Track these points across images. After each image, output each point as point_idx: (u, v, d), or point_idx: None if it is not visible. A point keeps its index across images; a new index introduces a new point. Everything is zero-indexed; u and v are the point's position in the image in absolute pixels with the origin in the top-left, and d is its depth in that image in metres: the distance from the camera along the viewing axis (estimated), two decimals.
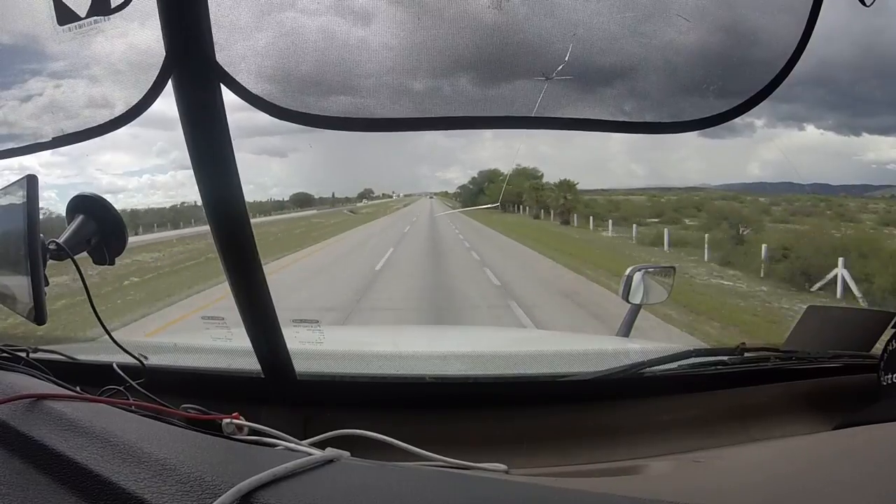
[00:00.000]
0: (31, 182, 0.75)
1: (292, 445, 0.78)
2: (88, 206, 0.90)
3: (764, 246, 11.73)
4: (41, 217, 0.76)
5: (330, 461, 0.66)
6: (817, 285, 10.04)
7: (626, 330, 1.71)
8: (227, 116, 0.77)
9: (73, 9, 0.73)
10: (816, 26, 0.71)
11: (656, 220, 19.53)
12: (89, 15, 0.73)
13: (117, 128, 0.78)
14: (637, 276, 1.70)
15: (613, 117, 0.77)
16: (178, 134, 0.76)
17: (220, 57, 0.73)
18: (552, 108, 0.73)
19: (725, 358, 1.13)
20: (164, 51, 0.72)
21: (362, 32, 0.73)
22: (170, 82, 0.74)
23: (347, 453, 0.70)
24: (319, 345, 1.26)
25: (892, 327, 1.06)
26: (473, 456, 0.86)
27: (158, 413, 0.78)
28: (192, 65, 0.73)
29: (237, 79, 0.73)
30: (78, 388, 0.81)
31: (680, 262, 11.99)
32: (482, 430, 1.02)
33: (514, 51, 0.72)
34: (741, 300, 9.17)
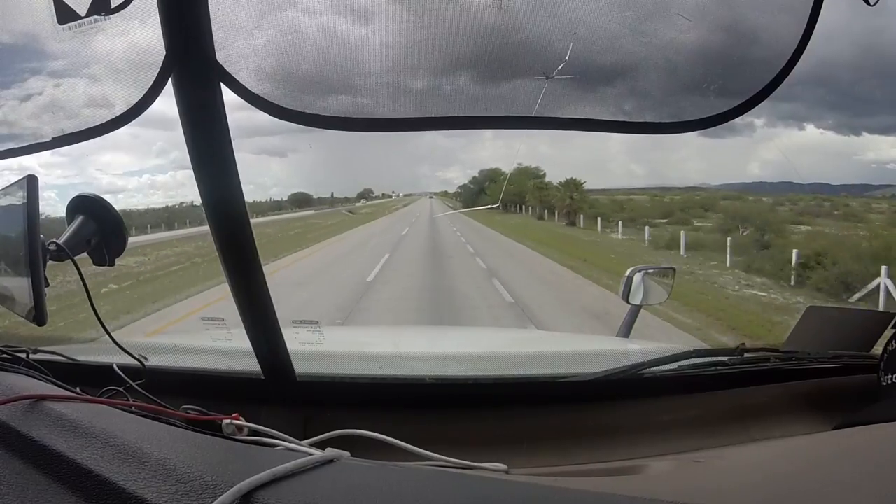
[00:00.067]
0: (31, 182, 0.75)
1: (292, 445, 0.78)
2: (88, 207, 0.90)
3: (795, 251, 10.87)
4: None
5: (330, 461, 0.66)
6: (857, 295, 9.19)
7: (625, 331, 1.71)
8: (227, 116, 0.77)
9: (73, 8, 0.73)
10: (817, 26, 0.71)
11: (664, 220, 18.63)
12: (89, 14, 0.73)
13: (117, 127, 0.78)
14: (637, 277, 1.70)
15: (614, 117, 0.77)
16: (178, 134, 0.77)
17: (221, 56, 0.73)
18: (552, 108, 0.73)
19: (725, 358, 1.13)
20: (164, 50, 0.72)
21: (362, 31, 0.73)
22: (170, 82, 0.74)
23: (347, 453, 0.70)
24: (319, 345, 1.26)
25: (892, 327, 1.06)
26: (473, 456, 0.86)
27: (158, 414, 0.78)
28: (192, 64, 0.73)
29: (237, 78, 0.73)
30: (78, 389, 0.80)
31: (702, 269, 11.45)
32: (482, 430, 1.02)
33: (514, 50, 0.72)
34: (784, 315, 8.00)
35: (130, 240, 0.93)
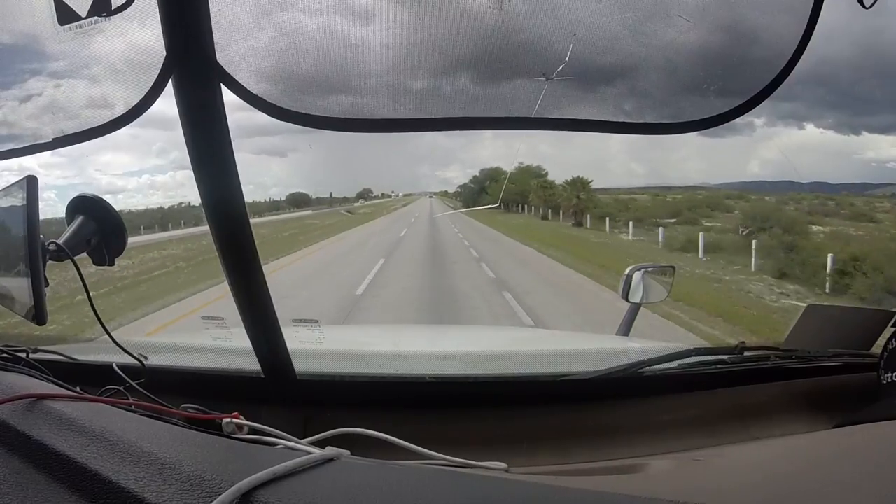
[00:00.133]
0: (30, 183, 0.75)
1: (292, 444, 0.78)
2: (88, 207, 0.90)
3: (830, 256, 9.91)
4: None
5: (330, 460, 0.66)
6: None
7: (625, 329, 1.71)
8: (227, 116, 0.77)
9: (73, 9, 0.73)
10: (817, 26, 0.71)
11: (672, 220, 17.89)
12: (90, 15, 0.73)
13: (117, 128, 0.78)
14: (637, 276, 1.71)
15: (614, 118, 0.77)
16: (178, 134, 0.77)
17: (221, 57, 0.73)
18: (552, 109, 0.73)
19: (725, 357, 1.13)
20: (164, 50, 0.72)
21: (362, 32, 0.73)
22: (170, 82, 0.74)
23: (347, 452, 0.70)
24: (319, 344, 1.26)
25: (892, 326, 1.06)
26: (473, 455, 0.86)
27: (158, 413, 0.78)
28: (192, 64, 0.73)
29: (237, 79, 0.73)
30: (78, 389, 0.80)
31: (726, 274, 10.59)
32: (482, 429, 1.02)
33: (514, 50, 0.72)
34: None
35: None
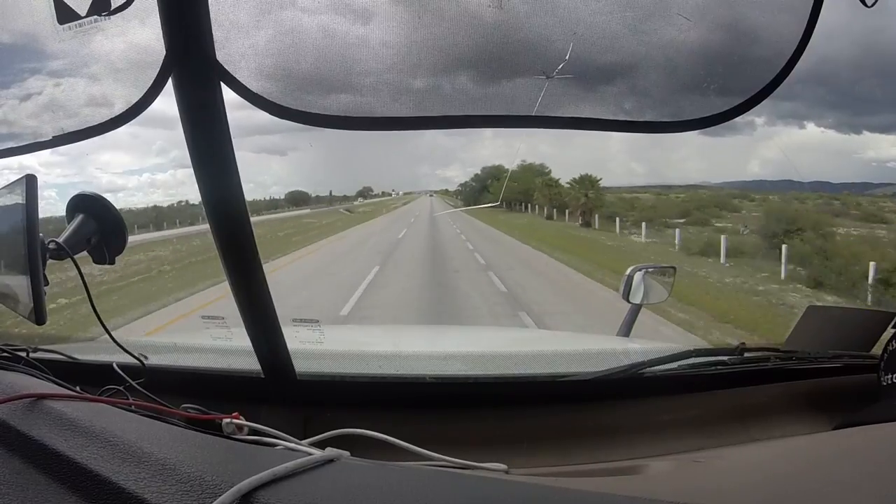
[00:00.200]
0: (30, 182, 0.75)
1: (292, 445, 0.78)
2: (88, 206, 0.90)
3: (873, 264, 8.89)
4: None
5: (330, 461, 0.66)
6: None
7: (626, 330, 1.71)
8: (227, 115, 0.77)
9: (73, 8, 0.73)
10: (817, 25, 0.70)
11: (682, 220, 16.88)
12: (90, 14, 0.73)
13: (117, 126, 0.78)
14: (637, 276, 1.71)
15: (614, 116, 0.77)
16: (178, 133, 0.77)
17: (221, 55, 0.73)
18: (553, 107, 0.73)
19: (725, 358, 1.13)
20: (164, 49, 0.72)
21: (362, 30, 0.73)
22: (170, 81, 0.74)
23: (347, 453, 0.70)
24: (319, 344, 1.26)
25: (893, 327, 1.06)
26: (473, 456, 0.86)
27: (158, 413, 0.78)
28: (192, 63, 0.73)
29: (237, 77, 0.73)
30: (78, 388, 0.80)
31: (756, 283, 9.55)
32: (482, 430, 1.02)
33: (514, 49, 0.72)
34: None
35: None
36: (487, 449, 0.93)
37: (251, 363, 1.00)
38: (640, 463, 0.93)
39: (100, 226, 0.89)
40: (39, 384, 0.79)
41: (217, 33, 0.72)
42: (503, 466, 0.87)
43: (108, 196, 0.90)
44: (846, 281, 9.14)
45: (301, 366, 1.03)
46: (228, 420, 0.79)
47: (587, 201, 18.74)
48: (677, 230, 14.28)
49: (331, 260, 12.75)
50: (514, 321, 6.66)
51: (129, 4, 0.72)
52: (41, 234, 0.77)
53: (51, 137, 0.83)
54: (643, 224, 15.88)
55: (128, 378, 0.90)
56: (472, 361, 1.48)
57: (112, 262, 0.92)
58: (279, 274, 10.41)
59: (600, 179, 19.35)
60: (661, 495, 0.65)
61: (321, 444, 0.78)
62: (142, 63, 0.74)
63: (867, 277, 8.83)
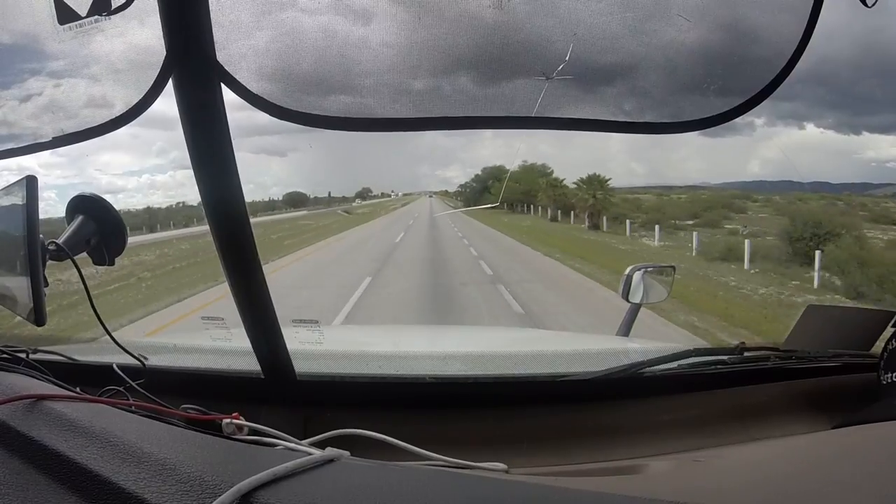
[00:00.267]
0: (30, 183, 0.75)
1: (292, 445, 0.78)
2: (88, 207, 0.90)
3: None
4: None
5: (330, 461, 0.66)
6: None
7: (625, 329, 1.71)
8: (227, 116, 0.77)
9: (73, 8, 0.73)
10: (817, 25, 0.71)
11: (690, 222, 16.29)
12: (90, 14, 0.73)
13: (117, 127, 0.78)
14: (637, 276, 1.71)
15: (614, 117, 0.77)
16: (178, 134, 0.77)
17: (221, 56, 0.73)
18: (552, 108, 0.73)
19: (725, 357, 1.13)
20: (164, 50, 0.72)
21: (362, 31, 0.73)
22: (170, 82, 0.74)
23: (347, 453, 0.70)
24: (319, 345, 1.26)
25: (892, 326, 1.06)
26: (473, 456, 0.86)
27: (158, 413, 0.78)
28: (192, 64, 0.73)
29: (237, 78, 0.73)
30: (78, 389, 0.80)
31: (788, 294, 8.61)
32: (482, 429, 1.02)
33: (514, 50, 0.72)
34: None
35: None
36: (487, 449, 0.93)
37: (251, 363, 1.00)
38: (640, 462, 0.93)
39: (99, 227, 0.90)
40: (39, 385, 0.79)
41: (217, 34, 0.72)
42: (503, 466, 0.88)
43: (107, 197, 0.90)
44: (888, 291, 8.26)
45: (301, 366, 1.03)
46: (228, 420, 0.79)
47: (595, 202, 17.99)
48: (694, 233, 13.46)
49: (322, 266, 12.01)
50: None
51: (129, 4, 0.72)
52: (41, 236, 0.77)
53: (51, 138, 0.83)
54: (656, 226, 15.03)
55: (128, 379, 0.90)
56: (471, 361, 1.48)
57: (112, 263, 0.92)
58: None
59: (609, 179, 18.59)
60: (662, 495, 0.65)
61: (321, 445, 0.78)
62: (142, 64, 0.74)
63: None
